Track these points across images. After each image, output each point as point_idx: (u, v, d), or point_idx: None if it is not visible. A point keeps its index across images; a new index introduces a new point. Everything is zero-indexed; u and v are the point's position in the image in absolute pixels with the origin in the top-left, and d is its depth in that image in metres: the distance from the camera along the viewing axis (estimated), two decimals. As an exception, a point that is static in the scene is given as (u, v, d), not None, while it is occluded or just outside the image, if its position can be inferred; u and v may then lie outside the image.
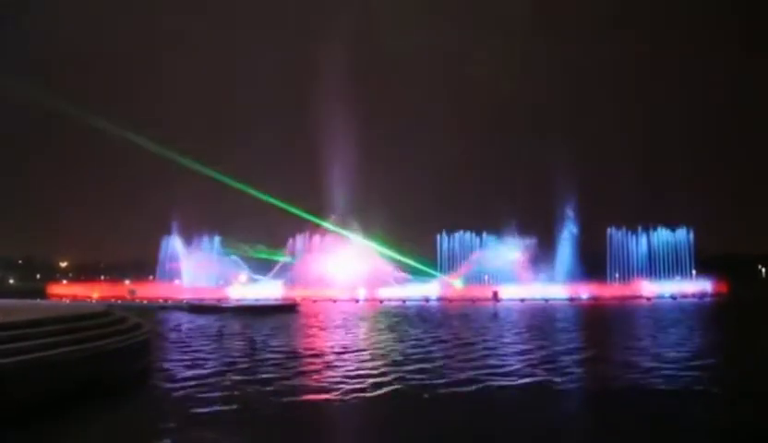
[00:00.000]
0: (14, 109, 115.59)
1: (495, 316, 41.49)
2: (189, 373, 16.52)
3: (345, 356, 20.03)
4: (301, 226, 79.16)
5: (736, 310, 49.53)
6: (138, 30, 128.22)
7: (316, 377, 16.24)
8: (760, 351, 22.57)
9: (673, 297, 67.75)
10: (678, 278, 76.05)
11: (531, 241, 77.67)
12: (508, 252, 77.01)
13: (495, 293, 67.32)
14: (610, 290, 71.78)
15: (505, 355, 20.27)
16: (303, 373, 16.91)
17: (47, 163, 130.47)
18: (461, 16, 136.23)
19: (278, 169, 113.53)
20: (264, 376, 15.99)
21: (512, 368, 17.26)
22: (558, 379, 15.39)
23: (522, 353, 21.00)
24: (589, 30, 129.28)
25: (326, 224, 77.53)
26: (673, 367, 17.24)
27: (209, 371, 16.83)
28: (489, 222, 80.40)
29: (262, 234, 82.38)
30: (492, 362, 18.59)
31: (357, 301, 64.06)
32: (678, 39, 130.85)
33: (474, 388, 14.24)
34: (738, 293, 68.27)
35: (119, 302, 67.42)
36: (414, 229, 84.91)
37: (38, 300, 40.74)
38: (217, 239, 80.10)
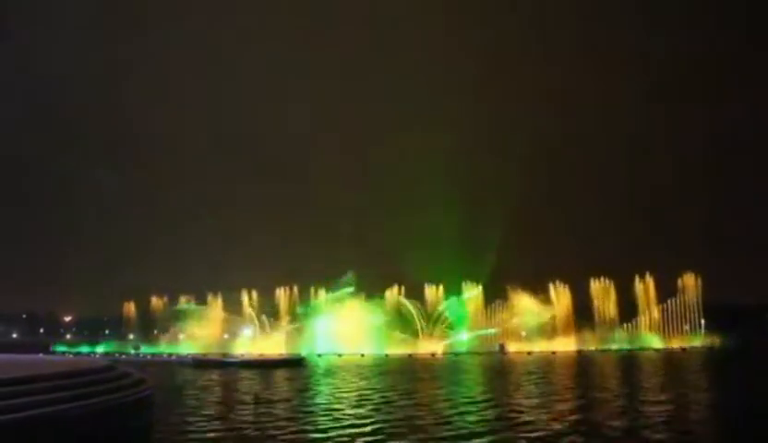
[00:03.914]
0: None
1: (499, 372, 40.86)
2: (191, 432, 16.29)
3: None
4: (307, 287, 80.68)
5: (748, 362, 48.54)
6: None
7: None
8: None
9: (682, 349, 66.73)
10: (686, 328, 75.02)
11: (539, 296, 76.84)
12: (515, 307, 76.20)
13: (502, 347, 66.59)
14: (619, 341, 70.85)
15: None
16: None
17: (51, 218, 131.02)
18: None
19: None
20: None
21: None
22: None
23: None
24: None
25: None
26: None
27: (215, 434, 16.27)
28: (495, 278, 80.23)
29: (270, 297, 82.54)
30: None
31: (363, 355, 63.30)
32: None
33: None
34: (747, 344, 66.96)
35: (123, 356, 66.97)
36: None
37: (40, 354, 40.46)
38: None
